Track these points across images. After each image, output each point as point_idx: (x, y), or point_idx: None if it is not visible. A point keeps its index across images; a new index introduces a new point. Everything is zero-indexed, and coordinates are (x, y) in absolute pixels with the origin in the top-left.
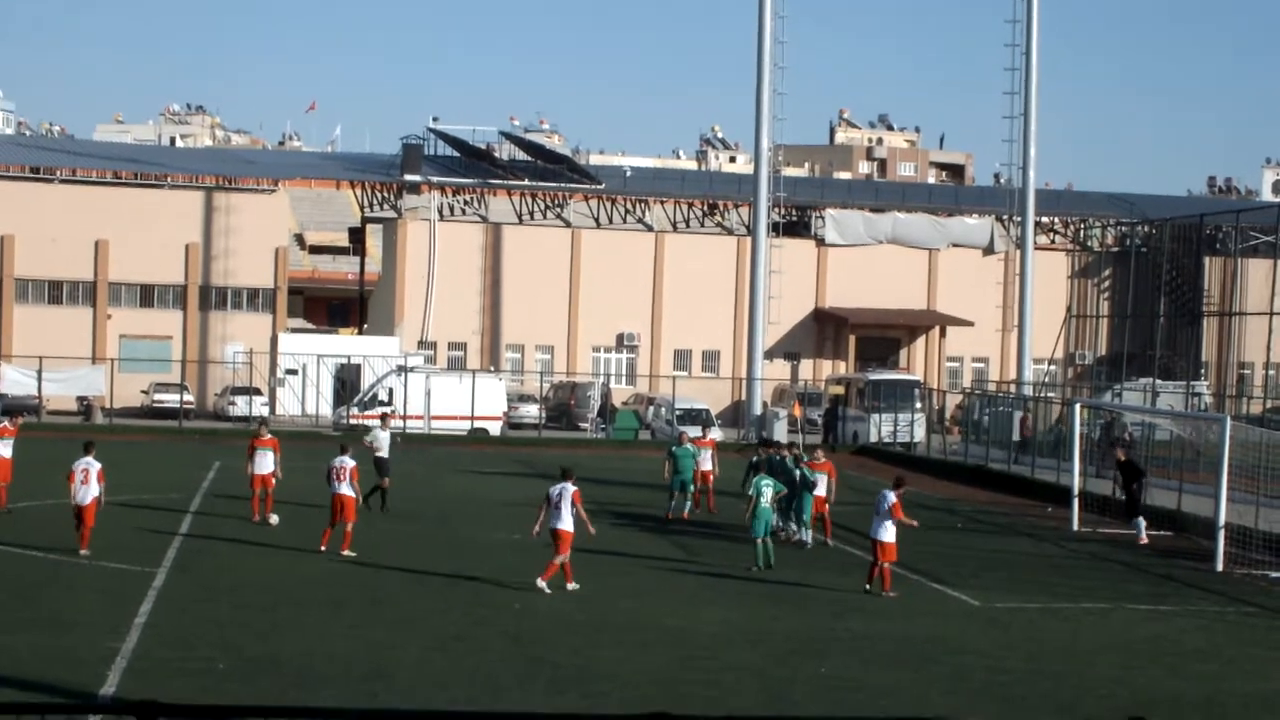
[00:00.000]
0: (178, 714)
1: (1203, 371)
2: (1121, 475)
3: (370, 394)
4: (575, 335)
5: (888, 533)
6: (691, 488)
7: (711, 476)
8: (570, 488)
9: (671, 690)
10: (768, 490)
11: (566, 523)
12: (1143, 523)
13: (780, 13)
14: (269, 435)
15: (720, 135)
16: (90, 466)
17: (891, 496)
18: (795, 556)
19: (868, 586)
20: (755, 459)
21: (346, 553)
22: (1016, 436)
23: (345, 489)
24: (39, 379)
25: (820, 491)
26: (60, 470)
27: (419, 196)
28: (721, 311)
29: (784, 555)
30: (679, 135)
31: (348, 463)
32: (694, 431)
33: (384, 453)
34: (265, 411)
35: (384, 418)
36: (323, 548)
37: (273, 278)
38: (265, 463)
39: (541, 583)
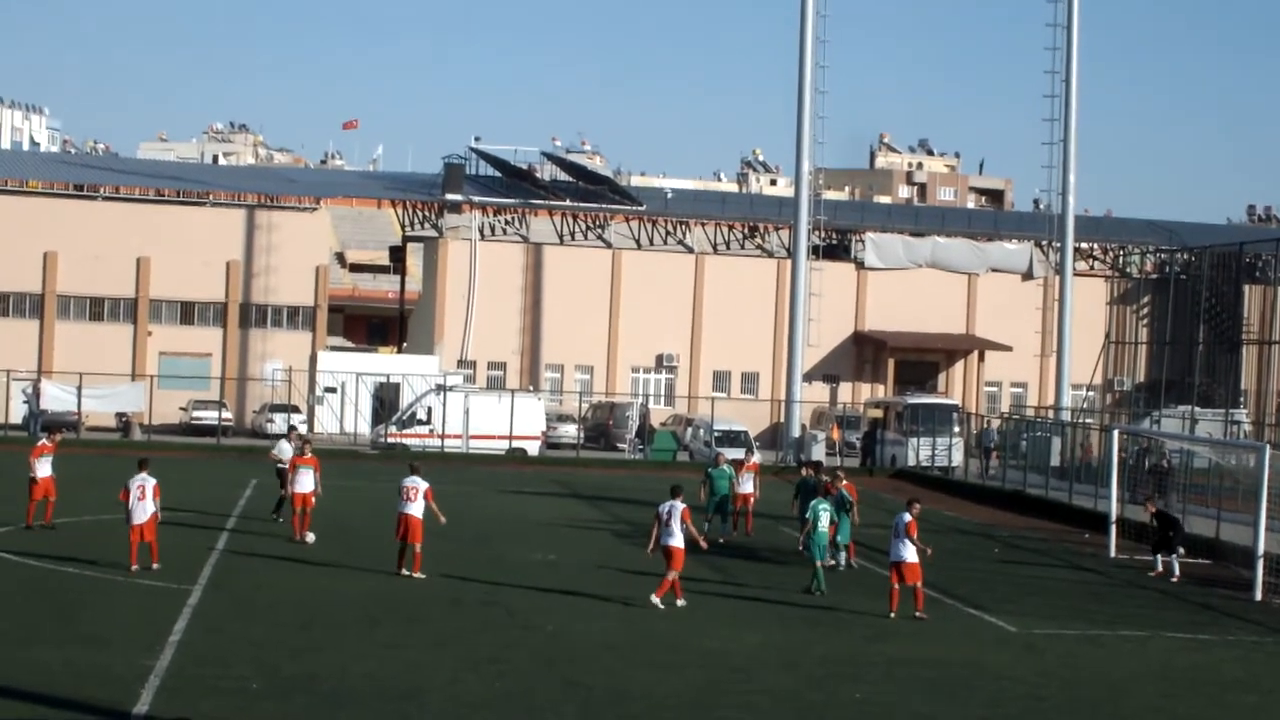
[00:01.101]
0: None
1: (1242, 399)
2: (1158, 526)
3: (409, 412)
4: (615, 356)
5: (910, 554)
6: (730, 508)
7: (753, 499)
8: (680, 505)
9: (706, 713)
10: (825, 515)
11: (678, 539)
12: (1175, 563)
13: (822, 37)
14: (310, 454)
15: (761, 158)
16: (146, 483)
17: (907, 516)
18: (831, 580)
19: (893, 614)
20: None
21: (416, 574)
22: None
23: (414, 509)
24: (79, 395)
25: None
26: (98, 487)
27: (460, 216)
28: (761, 333)
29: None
30: (720, 158)
31: (420, 483)
32: (735, 454)
33: (286, 464)
34: (304, 430)
35: (291, 429)
36: (401, 570)
37: (313, 296)
38: (306, 481)
39: (655, 599)
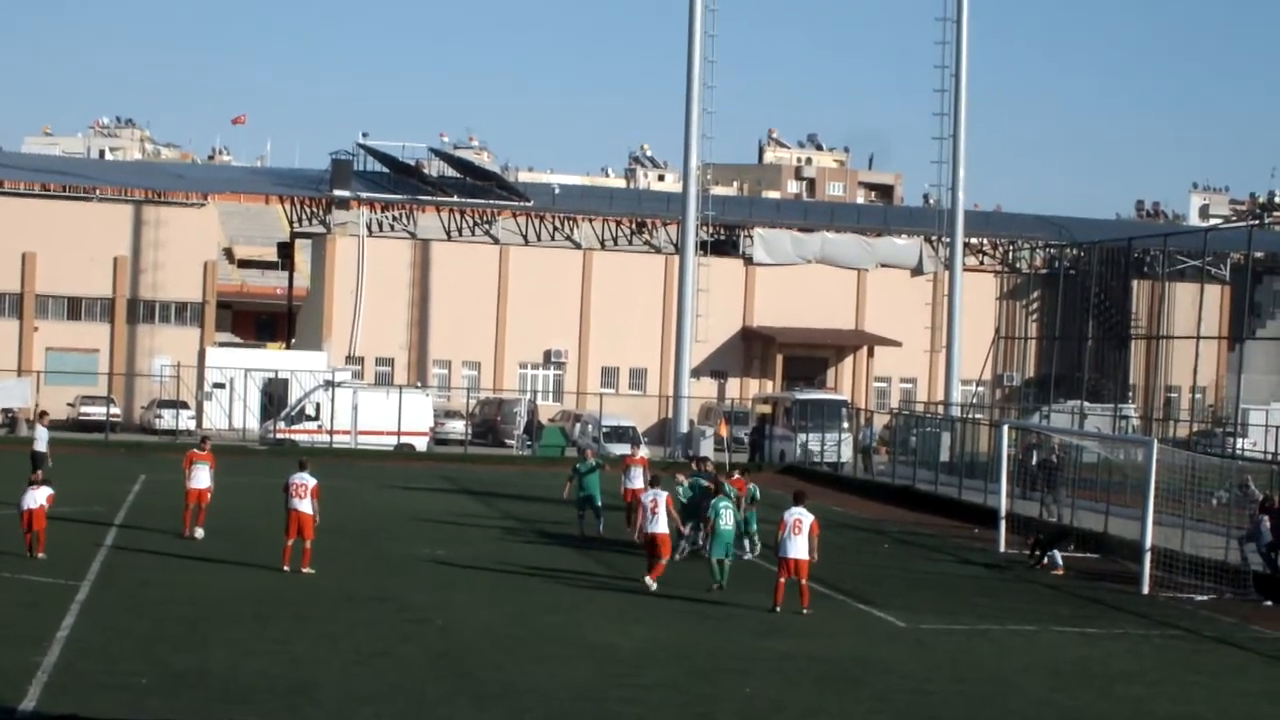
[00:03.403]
0: None
1: (1130, 394)
2: (1038, 546)
3: (298, 408)
4: (502, 352)
5: (803, 549)
6: (599, 503)
7: (643, 494)
8: (663, 494)
9: (596, 707)
10: (726, 512)
11: (663, 526)
12: (1058, 554)
13: (710, 32)
14: (207, 450)
15: (649, 153)
16: (37, 477)
17: (810, 515)
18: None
19: (778, 607)
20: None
21: (307, 570)
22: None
23: (305, 506)
24: None
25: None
26: None
27: (348, 212)
28: (649, 329)
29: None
30: (608, 153)
31: (309, 480)
32: (623, 449)
33: (41, 447)
34: (192, 425)
35: (41, 415)
36: (285, 566)
37: (201, 292)
38: (202, 477)
39: (650, 581)
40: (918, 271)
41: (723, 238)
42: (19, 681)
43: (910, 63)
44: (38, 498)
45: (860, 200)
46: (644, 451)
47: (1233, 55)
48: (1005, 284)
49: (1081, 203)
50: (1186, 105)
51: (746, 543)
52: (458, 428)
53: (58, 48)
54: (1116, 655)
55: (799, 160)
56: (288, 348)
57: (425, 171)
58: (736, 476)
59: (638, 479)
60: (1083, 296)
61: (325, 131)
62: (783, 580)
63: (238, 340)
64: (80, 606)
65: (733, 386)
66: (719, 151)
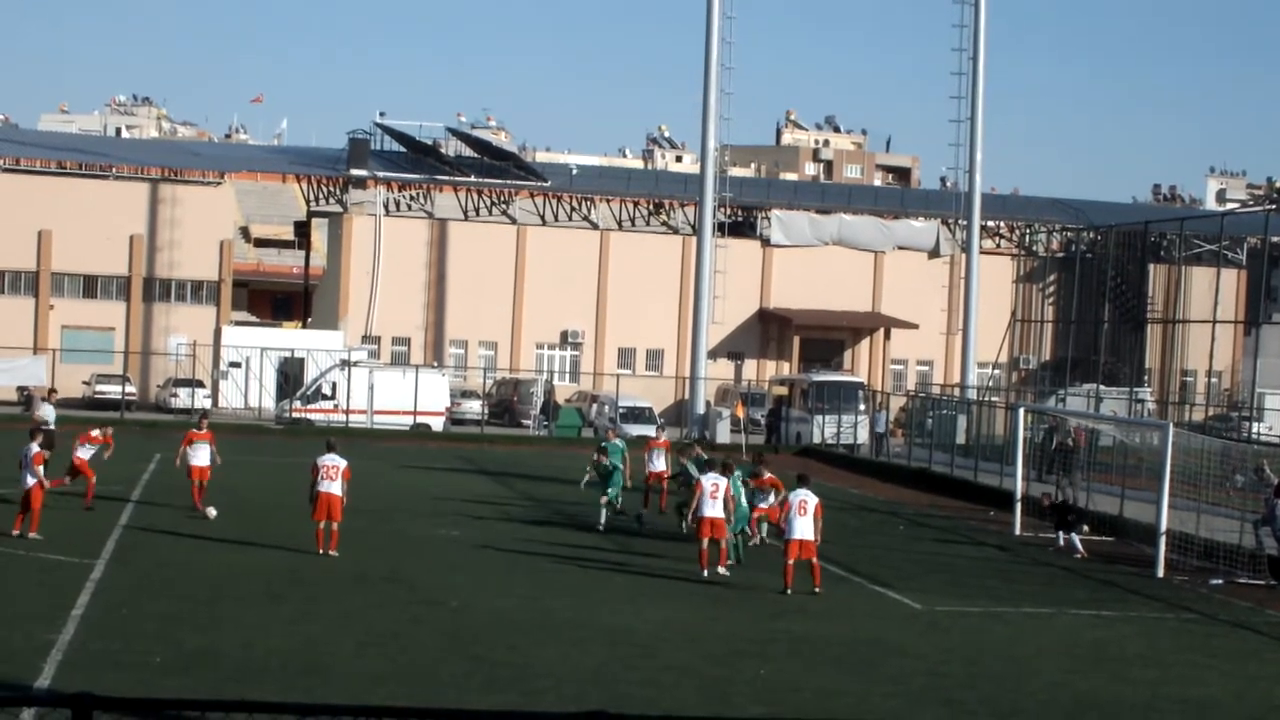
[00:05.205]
0: (113, 707)
1: (1146, 378)
2: (1056, 515)
3: (314, 388)
4: (519, 332)
5: (809, 530)
6: (620, 483)
7: (665, 477)
8: (724, 480)
9: (610, 689)
10: (744, 490)
11: (721, 511)
12: (1077, 539)
13: (729, 13)
14: (206, 429)
15: (667, 134)
16: (27, 452)
17: (815, 497)
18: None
19: (790, 589)
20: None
21: (332, 553)
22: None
23: (335, 488)
24: None
25: (770, 503)
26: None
27: (365, 191)
28: (666, 310)
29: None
30: (626, 134)
31: (339, 461)
32: (646, 431)
33: (50, 425)
34: (207, 404)
35: (50, 393)
36: (320, 550)
37: (217, 270)
38: (203, 455)
39: (722, 569)
40: (934, 254)
41: (740, 219)
42: (34, 659)
43: (928, 46)
44: (27, 480)
45: (877, 183)
46: (666, 434)
47: (1250, 39)
48: (1022, 267)
49: (1098, 186)
50: (1204, 89)
51: (764, 527)
52: (474, 408)
53: (75, 25)
54: (1131, 638)
55: (816, 142)
56: (304, 327)
57: (442, 151)
58: (769, 476)
59: (660, 461)
60: (1099, 280)
61: (342, 111)
62: (791, 562)
63: (254, 319)
64: (94, 585)
65: (749, 368)
66: (737, 133)
